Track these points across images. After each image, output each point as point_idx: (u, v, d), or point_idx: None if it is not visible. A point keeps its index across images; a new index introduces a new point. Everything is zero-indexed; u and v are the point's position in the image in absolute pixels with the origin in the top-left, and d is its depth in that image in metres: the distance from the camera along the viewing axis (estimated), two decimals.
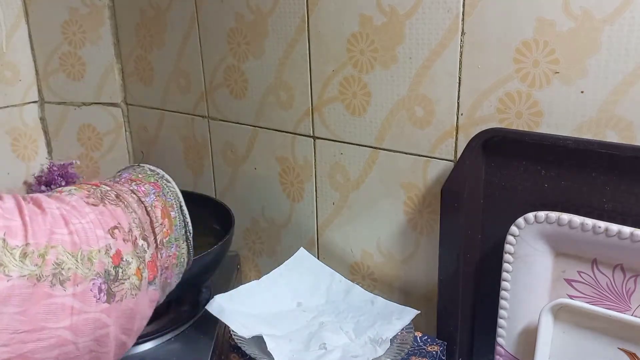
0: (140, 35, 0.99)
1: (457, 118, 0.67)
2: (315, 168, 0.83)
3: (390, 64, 0.70)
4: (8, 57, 1.00)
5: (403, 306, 0.72)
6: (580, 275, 0.58)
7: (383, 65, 0.71)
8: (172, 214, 0.61)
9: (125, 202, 0.55)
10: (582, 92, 0.58)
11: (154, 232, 0.57)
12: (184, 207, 0.62)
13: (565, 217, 0.57)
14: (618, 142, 0.57)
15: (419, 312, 0.71)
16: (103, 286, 0.49)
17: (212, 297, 0.81)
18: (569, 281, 0.59)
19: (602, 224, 0.55)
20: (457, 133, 0.68)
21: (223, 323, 0.70)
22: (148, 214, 0.57)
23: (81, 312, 0.47)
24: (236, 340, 0.67)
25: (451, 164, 0.69)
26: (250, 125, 0.89)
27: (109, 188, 0.56)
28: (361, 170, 0.78)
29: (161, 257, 0.58)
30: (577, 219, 0.56)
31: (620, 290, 0.56)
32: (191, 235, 0.63)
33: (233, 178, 0.95)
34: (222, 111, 0.92)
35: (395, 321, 0.70)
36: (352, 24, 0.72)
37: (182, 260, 0.62)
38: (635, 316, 0.55)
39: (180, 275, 0.63)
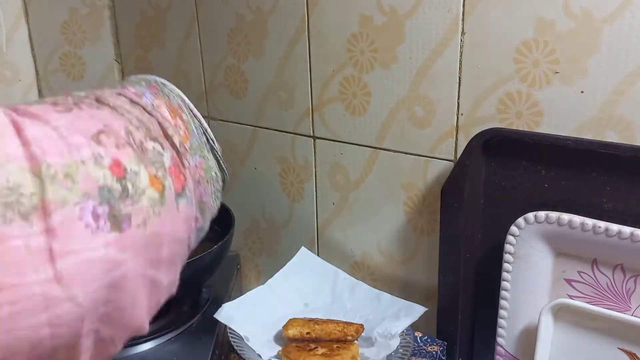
0: (140, 35, 0.99)
1: (457, 118, 0.67)
2: (315, 168, 0.83)
3: (390, 64, 0.70)
4: (8, 57, 1.00)
5: (410, 302, 0.73)
6: (580, 275, 0.58)
7: (383, 65, 0.71)
8: (184, 116, 0.46)
9: (112, 105, 0.40)
10: (582, 92, 0.58)
11: (165, 134, 0.42)
12: (196, 112, 0.48)
13: (565, 217, 0.57)
14: (618, 142, 0.57)
15: (427, 309, 0.71)
16: (100, 209, 0.34)
17: (212, 297, 0.81)
18: (569, 281, 0.59)
19: (602, 224, 0.55)
20: (457, 133, 0.68)
21: (223, 323, 0.70)
22: (150, 113, 0.42)
23: (69, 254, 0.32)
24: (233, 344, 0.67)
25: (451, 164, 0.69)
26: (250, 125, 0.89)
27: (82, 93, 0.40)
28: (361, 170, 0.78)
29: (188, 164, 0.43)
30: (577, 219, 0.56)
31: (620, 290, 0.56)
32: (217, 147, 0.49)
33: (233, 178, 0.95)
34: (222, 111, 0.92)
35: (403, 317, 0.70)
36: (352, 24, 0.72)
37: (213, 174, 0.48)
38: (635, 316, 0.55)
39: (218, 199, 0.49)
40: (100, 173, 0.35)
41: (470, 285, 0.68)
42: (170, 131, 0.43)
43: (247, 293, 0.75)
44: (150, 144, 0.39)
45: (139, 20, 0.98)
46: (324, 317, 0.72)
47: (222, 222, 0.83)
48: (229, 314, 0.70)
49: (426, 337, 0.70)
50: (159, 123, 0.42)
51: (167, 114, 0.44)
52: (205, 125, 0.49)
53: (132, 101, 0.42)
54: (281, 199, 0.89)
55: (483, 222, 0.67)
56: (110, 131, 0.37)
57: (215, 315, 0.70)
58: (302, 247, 0.83)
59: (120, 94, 0.43)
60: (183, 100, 0.48)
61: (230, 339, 0.68)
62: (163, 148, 0.41)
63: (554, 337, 0.59)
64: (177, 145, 0.43)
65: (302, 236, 0.88)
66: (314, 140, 0.82)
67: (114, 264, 0.35)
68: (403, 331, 0.69)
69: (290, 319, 0.69)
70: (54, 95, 1.12)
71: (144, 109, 0.42)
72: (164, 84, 0.50)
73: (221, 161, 0.50)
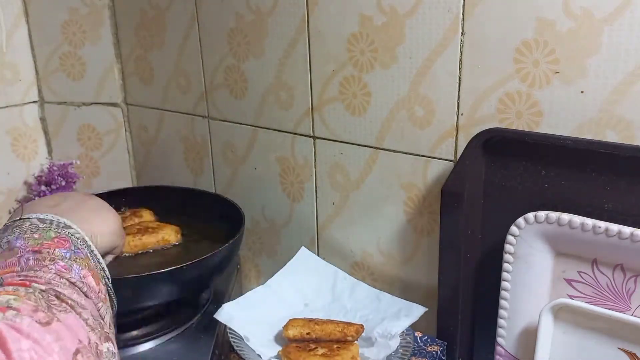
0: (140, 35, 0.99)
1: (457, 118, 0.67)
2: (315, 168, 0.83)
3: (390, 64, 0.70)
4: (8, 57, 1.00)
5: (410, 302, 0.73)
6: (580, 275, 0.58)
7: (383, 65, 0.71)
8: (91, 264, 0.51)
9: (70, 301, 0.45)
10: (582, 92, 0.58)
11: (101, 316, 0.48)
12: (92, 246, 0.53)
13: (565, 217, 0.57)
14: (618, 142, 0.57)
15: (427, 309, 0.71)
16: None
17: (212, 297, 0.81)
18: (569, 281, 0.59)
19: (602, 224, 0.55)
20: (457, 133, 0.68)
21: (223, 323, 0.70)
22: (87, 295, 0.47)
23: None
24: (233, 344, 0.67)
25: (451, 164, 0.69)
26: (250, 125, 0.89)
27: (41, 286, 0.44)
28: (361, 170, 0.78)
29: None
30: (577, 219, 0.56)
31: (620, 290, 0.56)
32: (109, 278, 0.55)
33: (233, 178, 0.95)
34: (222, 111, 0.92)
35: (403, 317, 0.70)
36: (352, 24, 0.72)
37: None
38: (635, 316, 0.55)
39: None
40: None
41: (470, 285, 0.68)
42: (103, 310, 0.48)
43: (247, 293, 0.75)
44: (104, 346, 0.45)
45: (139, 20, 0.98)
46: (324, 317, 0.72)
47: (230, 220, 0.82)
48: (229, 314, 0.70)
49: (426, 337, 0.70)
50: (96, 307, 0.48)
51: (93, 282, 0.49)
52: (99, 256, 0.54)
53: (71, 283, 0.47)
54: (281, 199, 0.89)
55: (483, 222, 0.67)
56: (83, 348, 0.42)
57: (215, 315, 0.70)
58: (302, 247, 0.83)
59: (59, 276, 0.47)
60: (84, 241, 0.53)
61: (230, 339, 0.68)
62: (114, 346, 0.47)
63: (554, 337, 0.59)
64: (109, 325, 0.49)
65: (302, 236, 0.88)
66: (314, 140, 0.82)
67: None
68: (403, 331, 0.69)
69: (290, 319, 0.69)
70: (54, 95, 1.10)
71: (81, 292, 0.47)
72: (68, 227, 0.53)
73: (112, 293, 0.55)
